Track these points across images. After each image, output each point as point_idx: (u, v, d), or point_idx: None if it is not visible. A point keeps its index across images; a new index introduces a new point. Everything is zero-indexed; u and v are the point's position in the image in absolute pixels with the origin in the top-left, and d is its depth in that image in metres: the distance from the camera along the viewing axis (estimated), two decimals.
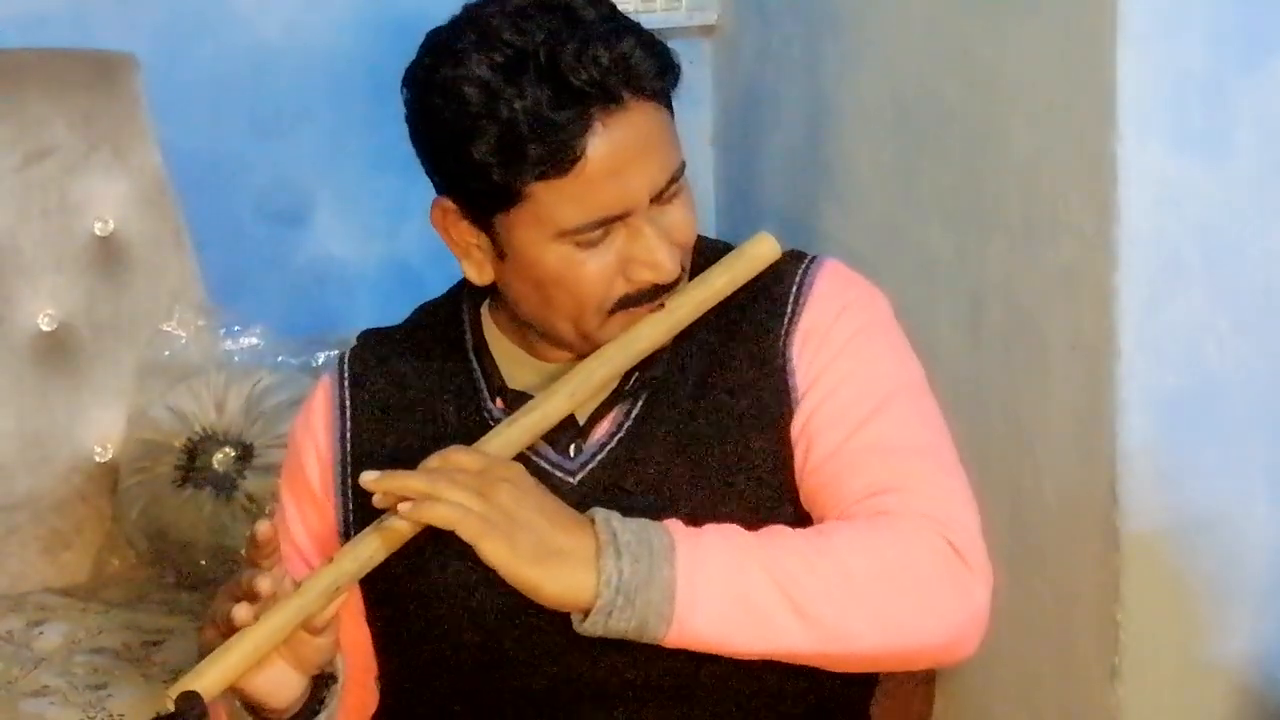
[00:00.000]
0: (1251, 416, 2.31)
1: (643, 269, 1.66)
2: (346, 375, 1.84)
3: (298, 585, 1.61)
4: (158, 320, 2.82)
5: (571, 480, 1.72)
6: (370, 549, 1.61)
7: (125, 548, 2.75)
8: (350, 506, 1.79)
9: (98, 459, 2.77)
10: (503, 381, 1.77)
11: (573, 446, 1.74)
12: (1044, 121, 2.40)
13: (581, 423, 1.74)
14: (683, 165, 1.68)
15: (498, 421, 1.73)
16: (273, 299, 3.11)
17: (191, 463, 2.71)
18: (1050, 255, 2.39)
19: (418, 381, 1.80)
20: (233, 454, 2.70)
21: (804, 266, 1.78)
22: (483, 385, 1.77)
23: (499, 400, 1.76)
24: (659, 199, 1.66)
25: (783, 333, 1.74)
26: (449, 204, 1.70)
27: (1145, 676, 2.33)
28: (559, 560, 1.56)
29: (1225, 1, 2.24)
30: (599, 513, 1.60)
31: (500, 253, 1.69)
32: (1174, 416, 2.29)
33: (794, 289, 1.76)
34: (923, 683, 2.56)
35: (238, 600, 1.59)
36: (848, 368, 1.72)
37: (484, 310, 1.81)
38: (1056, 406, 2.40)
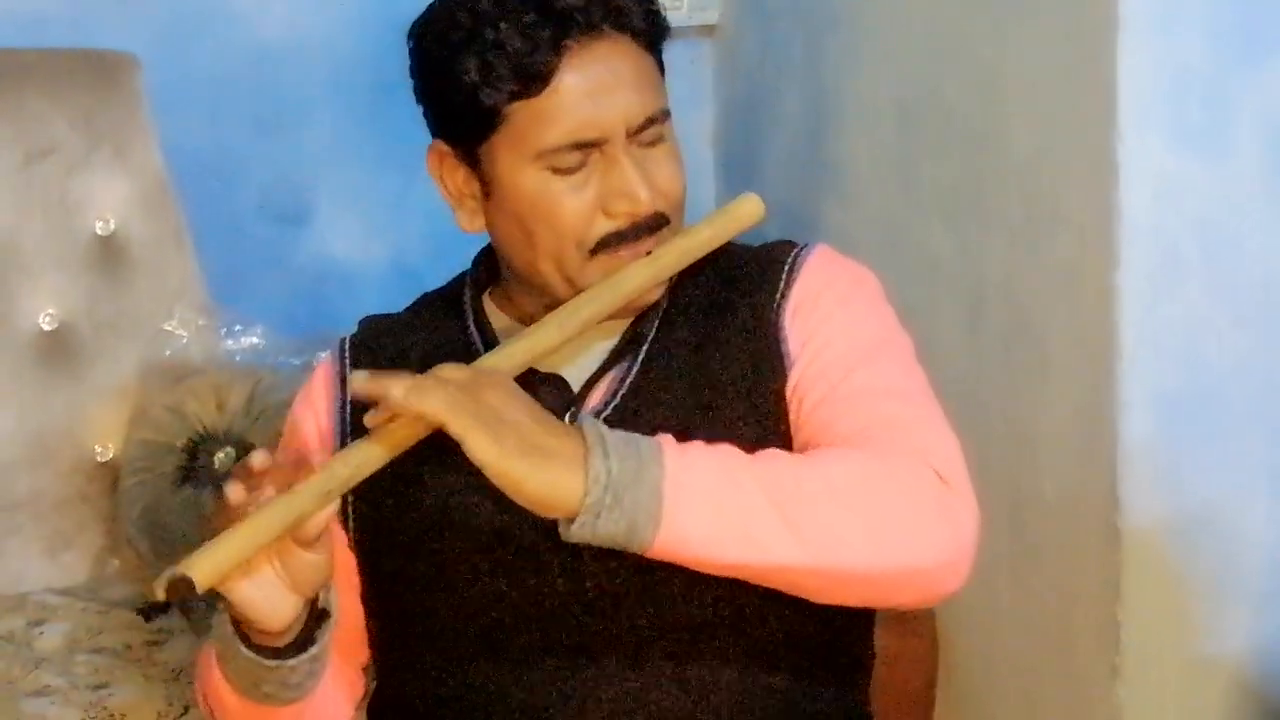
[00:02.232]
0: (1252, 413, 2.31)
1: (619, 200, 1.71)
2: (348, 354, 1.87)
3: (292, 488, 1.60)
4: (159, 320, 2.82)
5: None
6: (362, 454, 1.61)
7: (126, 547, 2.75)
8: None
9: (99, 458, 2.77)
10: None
11: (568, 415, 1.75)
12: (1044, 119, 2.40)
13: (577, 388, 1.77)
14: (666, 112, 1.75)
15: None
16: (274, 298, 3.11)
17: (193, 462, 2.71)
18: (1050, 253, 2.39)
19: (420, 357, 1.82)
20: (233, 453, 2.70)
21: (797, 248, 1.83)
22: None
23: None
24: (638, 138, 1.72)
25: (775, 306, 1.78)
26: (443, 147, 1.77)
27: (1146, 675, 2.33)
28: (546, 458, 1.56)
29: None
30: (586, 418, 1.62)
31: (488, 191, 1.75)
32: (1174, 413, 2.29)
33: (786, 267, 1.80)
34: (924, 666, 2.56)
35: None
36: (836, 327, 1.76)
37: (485, 296, 1.86)
38: (1056, 404, 2.40)
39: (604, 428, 1.60)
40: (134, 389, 2.78)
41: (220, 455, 2.70)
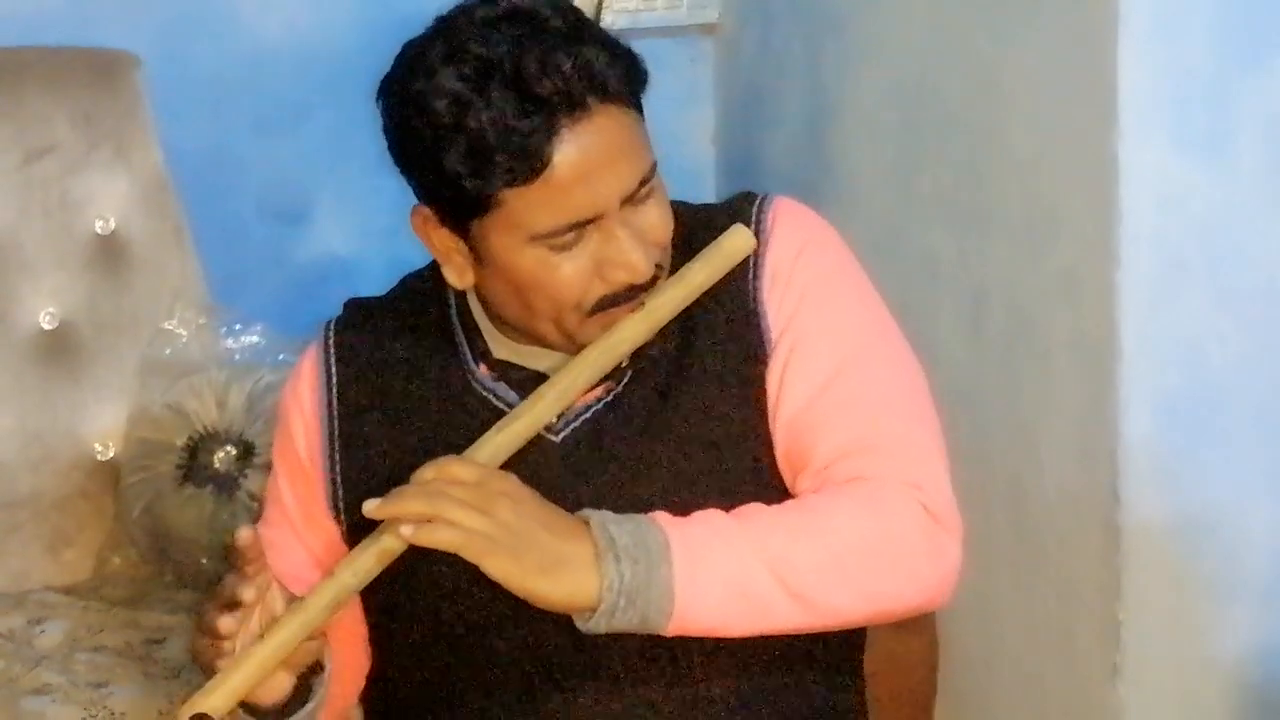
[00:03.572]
0: (1253, 415, 2.31)
1: (617, 270, 1.69)
2: (332, 341, 1.87)
3: (298, 599, 1.64)
4: (159, 318, 2.82)
5: (554, 439, 1.75)
6: (370, 562, 1.64)
7: (126, 546, 2.75)
8: (337, 471, 1.82)
9: (99, 457, 2.77)
10: (487, 348, 1.79)
11: (560, 419, 1.75)
12: (1045, 121, 2.40)
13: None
14: (654, 166, 1.71)
15: (481, 385, 1.77)
16: (274, 297, 3.11)
17: (193, 461, 2.71)
18: (1052, 255, 2.39)
19: (403, 346, 1.83)
20: (234, 452, 2.70)
21: (755, 209, 1.80)
22: (467, 352, 1.79)
23: (483, 366, 1.79)
24: (630, 200, 1.69)
25: (749, 279, 1.77)
26: (427, 211, 1.73)
27: (1147, 674, 2.34)
28: (561, 568, 1.60)
29: (1227, 1, 2.24)
30: (594, 516, 1.64)
31: (478, 258, 1.72)
32: (1175, 415, 2.29)
33: (753, 231, 1.78)
34: (924, 665, 2.56)
35: (224, 609, 1.63)
36: (815, 318, 1.76)
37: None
38: (1058, 406, 2.40)
39: (612, 524, 1.63)
40: (134, 388, 2.78)
41: (220, 454, 2.71)
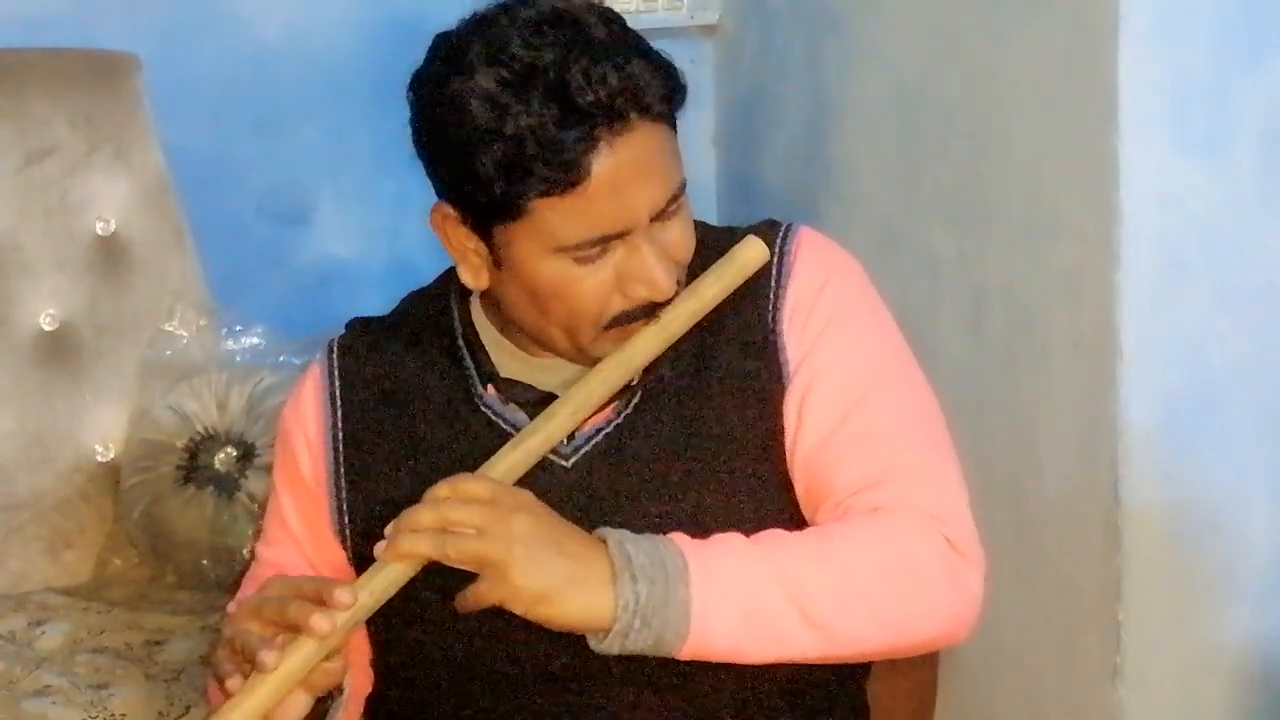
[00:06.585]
0: (1253, 416, 2.31)
1: (639, 286, 1.68)
2: (336, 364, 1.85)
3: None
4: (159, 320, 2.82)
5: (566, 464, 1.74)
6: (385, 582, 1.62)
7: (127, 547, 2.75)
8: (343, 496, 1.81)
9: (99, 459, 2.77)
10: (493, 368, 1.78)
11: (568, 441, 1.74)
12: (1046, 121, 2.40)
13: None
14: (683, 184, 1.69)
15: (490, 408, 1.76)
16: (274, 299, 3.11)
17: (193, 462, 2.71)
18: (1052, 255, 2.39)
19: (409, 369, 1.82)
20: (234, 454, 2.70)
21: (779, 238, 1.79)
22: (473, 372, 1.78)
23: (489, 387, 1.78)
24: (659, 217, 1.67)
25: (770, 308, 1.76)
26: (449, 210, 1.71)
27: (1147, 674, 2.34)
28: (575, 587, 1.58)
29: (1227, 1, 2.24)
30: (610, 535, 1.62)
31: (497, 261, 1.70)
32: (1175, 416, 2.29)
33: (775, 263, 1.77)
34: (926, 667, 2.56)
35: (264, 625, 1.61)
36: (834, 350, 1.74)
37: (473, 300, 1.82)
38: (1058, 406, 2.40)
39: (629, 543, 1.61)
40: (135, 389, 2.78)
41: (221, 455, 2.71)
